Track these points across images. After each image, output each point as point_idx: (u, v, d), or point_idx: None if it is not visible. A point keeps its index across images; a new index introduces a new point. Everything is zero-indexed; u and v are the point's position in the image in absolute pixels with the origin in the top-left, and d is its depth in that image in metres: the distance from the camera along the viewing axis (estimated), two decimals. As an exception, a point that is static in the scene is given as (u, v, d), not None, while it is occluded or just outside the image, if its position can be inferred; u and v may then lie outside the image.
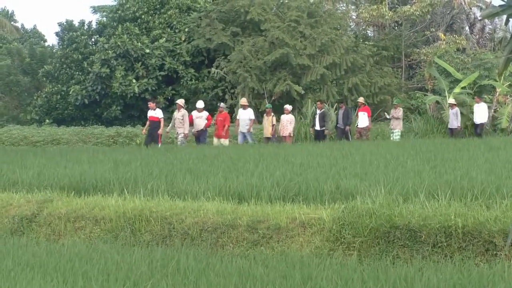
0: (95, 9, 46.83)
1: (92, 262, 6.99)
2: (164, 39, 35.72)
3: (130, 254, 7.39)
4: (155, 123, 22.78)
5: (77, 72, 37.09)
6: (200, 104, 23.92)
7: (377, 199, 8.09)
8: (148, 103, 23.97)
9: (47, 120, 36.96)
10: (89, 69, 35.88)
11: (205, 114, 23.48)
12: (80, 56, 37.49)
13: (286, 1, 36.62)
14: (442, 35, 36.82)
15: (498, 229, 7.06)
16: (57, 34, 41.74)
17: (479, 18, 39.13)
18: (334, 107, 29.56)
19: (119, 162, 14.32)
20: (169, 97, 34.94)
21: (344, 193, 9.07)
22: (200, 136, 23.20)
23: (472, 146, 16.31)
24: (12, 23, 59.34)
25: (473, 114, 28.07)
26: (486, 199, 8.08)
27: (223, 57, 34.25)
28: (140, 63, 34.80)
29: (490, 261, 6.90)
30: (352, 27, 41.76)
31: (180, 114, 22.95)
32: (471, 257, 6.97)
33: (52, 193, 10.76)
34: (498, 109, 29.90)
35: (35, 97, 39.64)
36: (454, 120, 25.45)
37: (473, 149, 15.51)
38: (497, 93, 30.09)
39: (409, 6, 36.48)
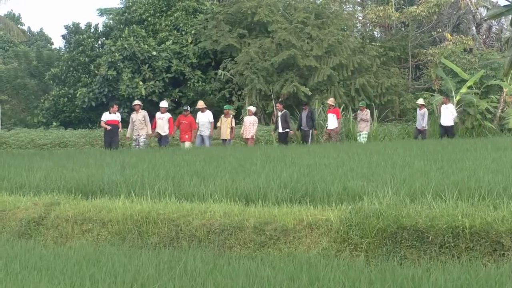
0: (102, 12, 46.99)
1: (99, 264, 6.99)
2: (171, 41, 35.72)
3: (137, 257, 7.40)
4: (116, 126, 22.76)
5: (84, 75, 37.15)
6: (163, 104, 23.58)
7: (384, 200, 8.08)
8: (113, 105, 23.76)
9: (54, 123, 37.02)
10: (96, 71, 35.94)
11: (167, 115, 23.01)
12: (86, 58, 37.56)
13: (293, 3, 36.62)
14: (449, 35, 36.75)
15: (505, 229, 7.04)
16: (63, 37, 41.96)
17: (484, 18, 39.08)
18: (342, 108, 29.60)
19: (126, 164, 14.33)
20: (176, 99, 34.97)
21: (351, 194, 9.05)
22: (162, 138, 22.80)
23: (479, 146, 16.30)
24: (18, 26, 59.45)
25: (480, 114, 28.08)
26: (493, 199, 8.05)
27: (230, 58, 34.24)
28: (147, 65, 34.82)
29: (498, 261, 6.88)
30: (358, 28, 41.72)
31: (141, 115, 22.71)
32: (479, 258, 6.95)
33: (59, 196, 10.77)
34: (505, 109, 29.85)
35: (42, 100, 39.69)
36: (421, 120, 25.50)
37: (480, 149, 15.50)
38: (504, 93, 30.02)
39: (416, 7, 36.42)
